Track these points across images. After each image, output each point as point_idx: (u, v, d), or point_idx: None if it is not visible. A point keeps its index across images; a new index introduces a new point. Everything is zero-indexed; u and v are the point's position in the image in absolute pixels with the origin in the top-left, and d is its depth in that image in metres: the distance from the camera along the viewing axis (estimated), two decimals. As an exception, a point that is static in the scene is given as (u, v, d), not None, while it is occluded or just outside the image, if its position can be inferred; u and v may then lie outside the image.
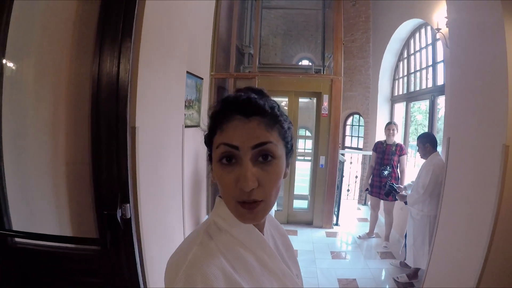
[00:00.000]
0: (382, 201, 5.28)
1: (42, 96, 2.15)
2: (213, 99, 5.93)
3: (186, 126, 4.60)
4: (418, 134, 4.26)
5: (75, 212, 2.19)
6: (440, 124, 5.72)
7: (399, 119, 7.26)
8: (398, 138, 5.39)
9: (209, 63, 5.89)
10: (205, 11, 5.57)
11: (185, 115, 4.52)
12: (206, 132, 0.86)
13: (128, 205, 2.02)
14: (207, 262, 0.71)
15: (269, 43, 9.76)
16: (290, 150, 0.88)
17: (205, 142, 0.86)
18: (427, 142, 3.98)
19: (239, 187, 0.74)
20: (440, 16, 4.18)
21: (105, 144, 1.96)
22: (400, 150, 5.10)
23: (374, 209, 5.48)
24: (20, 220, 2.20)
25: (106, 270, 2.12)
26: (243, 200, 0.76)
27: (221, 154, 0.76)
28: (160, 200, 2.84)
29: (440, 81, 5.12)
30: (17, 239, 2.16)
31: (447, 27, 3.85)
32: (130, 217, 2.05)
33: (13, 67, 2.14)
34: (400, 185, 4.67)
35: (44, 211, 2.22)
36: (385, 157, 5.17)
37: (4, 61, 2.07)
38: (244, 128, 0.76)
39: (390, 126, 5.19)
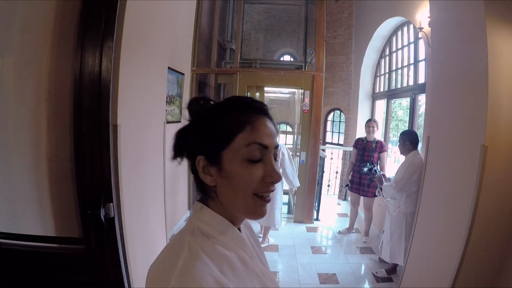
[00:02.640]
0: (362, 197, 5.32)
1: (23, 94, 2.09)
2: (194, 94, 5.90)
3: (168, 122, 4.55)
4: (400, 130, 4.29)
5: (59, 211, 2.15)
6: (420, 121, 5.79)
7: (380, 115, 7.33)
8: (378, 135, 5.43)
9: (190, 58, 5.85)
10: (187, 6, 5.53)
11: (166, 111, 4.50)
12: (216, 128, 0.84)
13: (111, 204, 2.01)
14: (198, 270, 0.71)
15: (251, 38, 9.70)
16: None
17: (211, 139, 0.84)
18: (407, 140, 4.00)
19: (268, 181, 0.80)
20: (423, 15, 4.22)
21: (87, 143, 1.94)
22: (380, 147, 5.14)
23: (354, 205, 5.51)
24: (2, 220, 2.16)
25: (91, 269, 2.11)
26: (266, 193, 0.82)
27: (253, 153, 0.80)
28: (142, 198, 2.82)
29: (421, 79, 5.17)
30: (1, 240, 2.12)
31: (429, 26, 3.88)
32: (114, 216, 2.04)
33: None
34: (384, 173, 4.70)
35: (27, 210, 2.17)
36: (365, 153, 5.20)
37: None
38: (270, 128, 0.83)
39: (370, 123, 5.22)
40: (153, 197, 3.14)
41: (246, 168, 0.79)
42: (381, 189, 4.39)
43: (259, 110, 0.85)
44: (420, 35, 4.34)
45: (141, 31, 2.64)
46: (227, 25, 7.29)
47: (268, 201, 0.83)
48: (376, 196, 4.96)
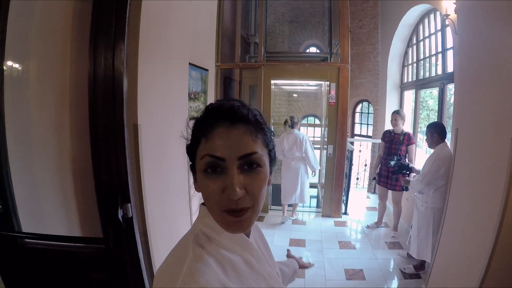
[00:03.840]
0: (390, 191, 5.22)
1: (44, 97, 2.15)
2: (219, 90, 5.90)
3: (192, 118, 4.61)
4: (431, 121, 4.19)
5: (82, 211, 2.21)
6: (450, 111, 5.63)
7: (408, 106, 7.15)
8: (407, 126, 5.31)
9: (214, 54, 5.81)
10: (209, 2, 5.47)
11: (190, 107, 4.49)
12: (188, 142, 0.87)
13: (129, 204, 2.04)
14: (202, 273, 0.71)
15: (276, 31, 9.62)
16: (273, 158, 0.89)
17: (187, 152, 0.87)
18: (434, 132, 3.90)
19: (227, 195, 0.74)
20: (448, 1, 4.08)
21: (102, 144, 1.97)
22: (408, 140, 4.99)
23: (382, 199, 5.43)
24: (28, 220, 2.23)
25: (111, 268, 2.16)
26: (230, 209, 0.75)
27: (206, 165, 0.76)
28: (165, 195, 2.85)
29: (450, 68, 5.01)
30: (26, 240, 2.19)
31: (455, 13, 3.76)
32: (132, 216, 2.07)
33: (15, 68, 2.15)
34: (413, 166, 4.59)
35: (51, 211, 2.24)
36: (392, 146, 5.10)
37: (6, 63, 2.10)
38: (229, 136, 0.76)
39: (393, 116, 5.11)
40: (177, 193, 3.15)
41: (204, 181, 0.77)
42: (406, 188, 4.32)
43: (219, 117, 0.78)
44: (447, 22, 4.19)
45: (158, 31, 2.66)
46: (250, 19, 7.26)
47: (239, 217, 0.76)
48: (405, 190, 4.84)
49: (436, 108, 5.53)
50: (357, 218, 6.14)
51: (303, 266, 1.52)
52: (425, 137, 4.16)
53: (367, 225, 5.56)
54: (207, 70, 5.28)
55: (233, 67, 6.12)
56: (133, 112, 2.19)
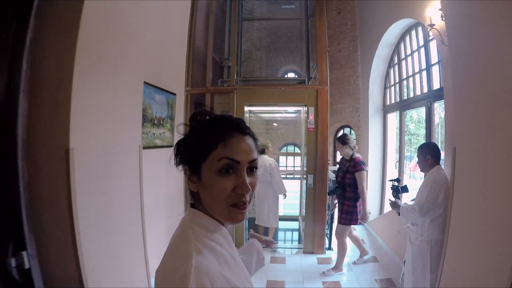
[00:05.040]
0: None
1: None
2: (188, 116, 5.40)
3: (156, 147, 4.19)
4: (413, 145, 3.75)
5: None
6: (438, 132, 5.21)
7: (392, 130, 6.80)
8: (391, 151, 4.86)
9: (184, 78, 5.41)
10: (178, 24, 5.18)
11: (153, 134, 4.16)
12: (196, 144, 0.96)
13: (25, 253, 1.65)
14: (209, 267, 0.81)
15: (252, 56, 9.29)
16: None
17: (193, 152, 0.96)
18: (428, 154, 3.44)
19: (238, 192, 0.92)
20: (433, 10, 3.71)
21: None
22: (353, 166, 4.52)
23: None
24: None
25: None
26: (236, 203, 0.93)
27: (223, 166, 0.91)
28: (110, 232, 2.63)
29: (436, 84, 4.68)
30: None
31: (442, 20, 3.37)
32: (30, 267, 1.68)
33: None
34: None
35: None
36: (338, 174, 4.75)
37: None
38: (244, 144, 0.95)
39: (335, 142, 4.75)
40: (127, 232, 2.92)
41: (219, 180, 0.91)
42: (398, 213, 3.80)
43: (234, 128, 0.95)
44: (431, 34, 3.82)
45: (105, 42, 2.49)
46: (225, 43, 6.86)
47: (243, 209, 0.94)
48: (348, 225, 4.58)
49: (419, 132, 5.13)
50: (343, 253, 5.55)
51: (266, 242, 1.62)
52: (416, 161, 3.72)
53: (354, 261, 5.03)
54: (174, 94, 4.91)
55: (204, 91, 5.67)
56: (62, 134, 2.04)
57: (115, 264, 2.68)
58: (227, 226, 1.02)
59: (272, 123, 9.75)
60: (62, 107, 2.03)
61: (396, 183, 3.84)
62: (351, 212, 4.48)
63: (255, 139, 1.01)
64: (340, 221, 4.58)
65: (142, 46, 3.30)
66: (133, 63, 3.03)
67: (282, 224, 7.04)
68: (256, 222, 5.97)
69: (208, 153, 0.92)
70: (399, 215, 3.67)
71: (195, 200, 1.01)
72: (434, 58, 4.74)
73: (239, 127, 0.96)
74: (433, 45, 4.71)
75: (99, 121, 2.43)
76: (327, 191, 4.65)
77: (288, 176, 9.41)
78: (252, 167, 0.96)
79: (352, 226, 4.79)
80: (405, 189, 3.80)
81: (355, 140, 5.00)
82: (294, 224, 7.28)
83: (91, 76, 2.26)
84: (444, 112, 3.97)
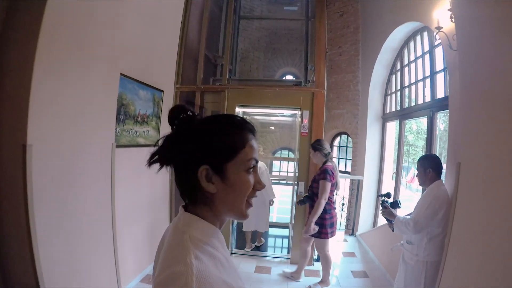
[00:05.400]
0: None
1: None
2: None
3: (139, 145, 4.09)
4: (411, 156, 3.44)
5: None
6: (437, 144, 4.91)
7: (391, 139, 6.52)
8: (389, 161, 4.55)
9: (174, 74, 5.19)
10: (171, 19, 4.98)
11: (136, 132, 4.04)
12: (222, 144, 0.95)
13: None
14: (210, 274, 0.81)
15: (250, 56, 8.97)
16: None
17: (218, 152, 0.94)
18: (429, 167, 3.15)
19: (257, 188, 0.99)
20: (441, 12, 3.41)
21: None
22: (318, 175, 4.20)
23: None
24: None
25: None
26: (249, 199, 0.99)
27: (251, 166, 0.97)
28: (75, 235, 2.53)
29: (440, 93, 4.40)
30: None
31: (452, 21, 3.07)
32: None
33: None
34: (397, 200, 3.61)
35: None
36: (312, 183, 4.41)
37: None
38: (256, 146, 1.02)
39: None
40: (97, 235, 2.82)
41: (247, 177, 0.96)
42: (391, 221, 3.47)
43: (251, 130, 1.00)
44: (437, 38, 3.50)
45: (72, 36, 2.36)
46: (219, 40, 6.57)
47: (251, 205, 1.01)
48: (318, 238, 4.23)
49: (417, 143, 4.84)
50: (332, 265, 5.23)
51: None
52: (413, 173, 3.42)
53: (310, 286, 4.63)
54: (161, 91, 4.66)
55: (194, 89, 5.38)
56: (18, 128, 1.96)
57: (80, 267, 2.59)
58: (220, 228, 1.03)
59: (267, 126, 9.46)
60: (22, 102, 1.97)
61: (385, 198, 3.52)
62: (319, 224, 4.14)
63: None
64: (314, 234, 4.21)
65: (120, 38, 3.15)
66: (107, 56, 2.87)
67: (273, 231, 6.83)
68: (243, 229, 5.74)
69: (237, 153, 0.95)
70: (390, 226, 3.39)
71: (199, 202, 0.98)
72: (439, 65, 4.46)
73: (254, 129, 1.03)
74: (438, 52, 4.45)
75: (64, 116, 2.30)
76: (296, 200, 4.39)
77: (281, 181, 9.11)
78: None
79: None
80: (396, 204, 3.47)
81: (352, 148, 4.66)
82: (285, 232, 6.99)
83: (57, 70, 2.16)
84: (445, 123, 3.68)
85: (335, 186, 4.20)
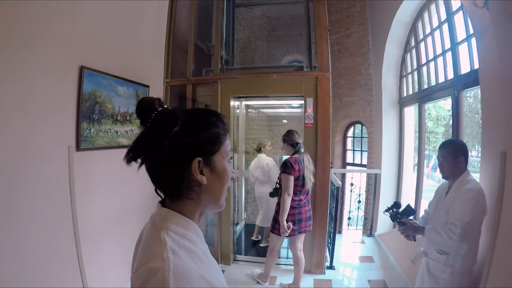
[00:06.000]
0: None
1: None
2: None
3: (120, 147, 3.71)
4: (431, 144, 2.82)
5: None
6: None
7: (410, 126, 5.85)
8: (409, 151, 3.88)
9: (162, 68, 4.73)
10: (154, 9, 4.57)
11: (116, 132, 3.69)
12: (211, 137, 0.98)
13: None
14: (187, 269, 0.80)
15: (251, 46, 8.32)
16: None
17: (207, 144, 0.97)
18: (461, 155, 2.57)
19: (233, 176, 1.06)
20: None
21: None
22: (281, 167, 3.88)
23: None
24: None
25: None
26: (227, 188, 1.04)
27: (231, 156, 1.10)
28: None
29: (465, 68, 3.71)
30: None
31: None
32: None
33: None
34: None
35: None
36: None
37: None
38: None
39: None
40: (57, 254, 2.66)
41: (229, 168, 1.02)
42: (412, 236, 2.81)
43: (226, 122, 1.03)
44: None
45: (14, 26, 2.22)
46: (212, 29, 5.95)
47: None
48: (273, 233, 4.01)
49: (437, 130, 4.17)
50: (347, 273, 4.66)
51: None
52: (434, 161, 2.83)
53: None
54: (147, 86, 4.21)
55: (185, 82, 4.82)
56: None
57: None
58: (198, 222, 1.02)
59: (274, 120, 8.86)
60: None
61: (394, 210, 2.89)
62: (275, 218, 3.95)
63: None
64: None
65: (83, 27, 3.01)
66: (61, 48, 2.71)
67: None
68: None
69: (221, 144, 0.99)
70: (410, 237, 2.76)
71: (181, 196, 0.97)
72: (461, 35, 3.79)
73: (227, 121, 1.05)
74: (458, 19, 3.81)
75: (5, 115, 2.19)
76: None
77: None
78: None
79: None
80: (410, 211, 2.84)
81: (367, 139, 3.99)
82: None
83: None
84: (468, 104, 3.04)
85: (301, 180, 3.81)
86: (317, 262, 4.46)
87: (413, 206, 3.87)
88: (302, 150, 3.92)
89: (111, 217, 3.59)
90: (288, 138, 3.91)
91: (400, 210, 2.86)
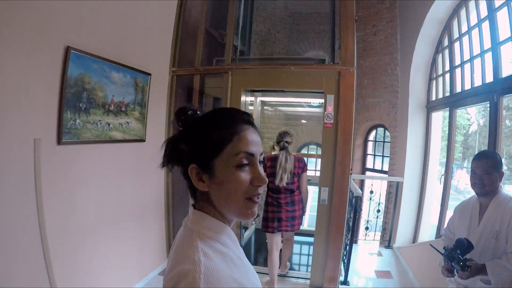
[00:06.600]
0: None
1: None
2: (173, 103, 4.29)
3: (114, 141, 3.36)
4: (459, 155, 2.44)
5: None
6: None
7: (437, 132, 5.45)
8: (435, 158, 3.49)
9: (168, 55, 4.37)
10: None
11: (108, 124, 3.25)
12: (208, 140, 0.92)
13: None
14: (218, 272, 0.79)
15: (271, 38, 7.92)
16: None
17: (203, 149, 0.92)
18: (501, 169, 2.27)
19: (255, 184, 0.90)
20: None
21: None
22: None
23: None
24: None
25: None
26: (252, 196, 0.90)
27: (241, 160, 0.89)
28: None
29: (506, 71, 3.35)
30: None
31: None
32: None
33: None
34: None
35: None
36: None
37: None
38: (255, 137, 0.94)
39: None
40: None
41: (236, 174, 0.88)
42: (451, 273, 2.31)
43: (245, 121, 0.94)
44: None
45: None
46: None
47: (258, 202, 0.92)
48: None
49: (457, 138, 3.80)
50: (363, 289, 4.23)
51: None
52: (469, 176, 2.46)
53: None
54: (148, 74, 3.80)
55: (192, 72, 4.45)
56: None
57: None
58: (232, 226, 0.99)
59: (292, 119, 8.50)
60: None
61: (458, 252, 2.17)
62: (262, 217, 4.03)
63: (258, 131, 0.99)
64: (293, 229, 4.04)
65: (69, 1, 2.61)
66: (45, 23, 2.41)
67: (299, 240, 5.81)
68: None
69: (222, 148, 0.90)
70: (448, 274, 2.31)
71: (201, 200, 0.96)
72: (504, 34, 3.39)
73: (249, 119, 0.96)
74: (502, 15, 3.38)
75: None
76: None
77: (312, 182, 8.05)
78: (260, 160, 0.95)
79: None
80: (468, 248, 2.19)
81: (390, 144, 3.58)
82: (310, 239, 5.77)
83: None
84: (485, 118, 2.63)
85: (272, 177, 3.81)
86: (331, 276, 4.01)
87: (436, 218, 3.40)
88: (287, 149, 3.85)
89: (100, 220, 3.22)
90: (277, 136, 3.98)
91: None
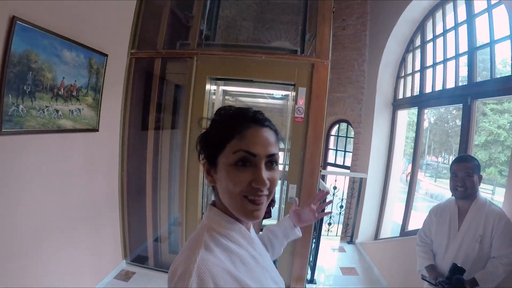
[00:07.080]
0: None
1: None
2: (130, 88, 3.94)
3: (63, 131, 2.93)
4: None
5: None
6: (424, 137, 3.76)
7: (402, 130, 5.50)
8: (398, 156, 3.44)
9: (128, 35, 3.99)
10: None
11: (57, 111, 2.81)
12: (213, 136, 0.96)
13: None
14: (216, 265, 0.81)
15: (236, 25, 7.66)
16: None
17: (210, 145, 0.96)
18: (479, 173, 2.34)
19: (254, 186, 0.89)
20: None
21: None
22: None
23: None
24: None
25: None
26: (252, 198, 0.90)
27: (239, 159, 0.89)
28: None
29: (481, 76, 3.45)
30: None
31: None
32: None
33: None
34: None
35: None
36: None
37: None
38: (261, 137, 0.92)
39: None
40: None
41: (234, 172, 0.89)
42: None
43: (251, 119, 0.93)
44: None
45: None
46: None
47: (259, 204, 0.91)
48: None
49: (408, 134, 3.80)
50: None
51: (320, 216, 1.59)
52: (449, 179, 2.44)
53: None
54: (104, 55, 3.41)
55: (153, 55, 4.10)
56: None
57: None
58: (247, 224, 1.00)
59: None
60: None
61: (455, 277, 2.04)
62: None
63: (275, 132, 0.98)
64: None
65: None
66: None
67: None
68: None
69: (224, 145, 0.92)
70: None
71: (216, 197, 1.00)
72: (483, 38, 3.40)
73: (257, 119, 0.94)
74: (481, 22, 3.45)
75: None
76: None
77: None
78: (271, 162, 0.93)
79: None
80: (460, 272, 2.07)
81: (353, 139, 3.51)
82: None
83: None
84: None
85: None
86: (298, 276, 3.86)
87: (398, 215, 3.35)
88: None
89: (46, 221, 2.83)
90: None
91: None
